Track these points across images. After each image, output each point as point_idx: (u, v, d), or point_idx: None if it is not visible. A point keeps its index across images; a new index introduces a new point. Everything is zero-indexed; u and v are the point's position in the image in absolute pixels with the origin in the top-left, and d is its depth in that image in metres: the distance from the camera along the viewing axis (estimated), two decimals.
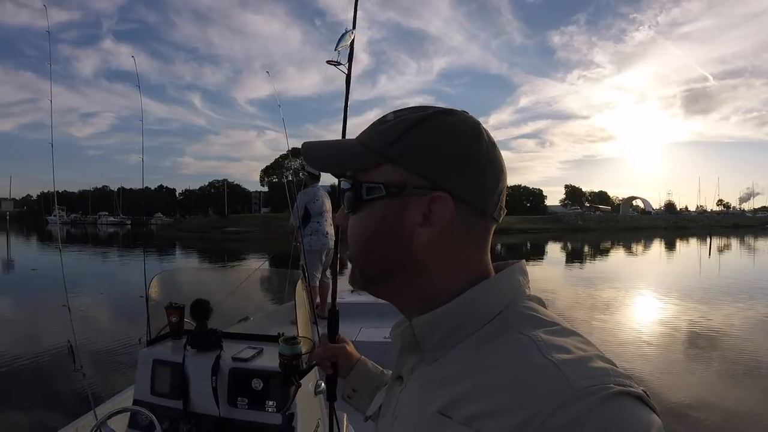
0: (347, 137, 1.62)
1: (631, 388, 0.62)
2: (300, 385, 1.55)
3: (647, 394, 0.63)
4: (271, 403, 2.68)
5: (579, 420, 0.57)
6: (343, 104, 1.85)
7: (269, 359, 2.83)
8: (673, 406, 6.46)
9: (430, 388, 0.77)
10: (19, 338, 10.38)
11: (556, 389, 0.61)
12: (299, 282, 2.80)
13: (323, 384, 3.06)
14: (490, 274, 0.83)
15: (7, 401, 7.04)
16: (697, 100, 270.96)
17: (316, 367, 2.95)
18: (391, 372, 1.25)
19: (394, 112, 0.85)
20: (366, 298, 7.04)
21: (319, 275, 6.95)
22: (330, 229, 7.17)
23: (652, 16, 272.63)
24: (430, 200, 0.78)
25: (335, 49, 1.90)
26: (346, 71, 1.88)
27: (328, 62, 1.88)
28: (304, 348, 1.60)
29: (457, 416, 0.69)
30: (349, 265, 0.89)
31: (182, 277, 4.69)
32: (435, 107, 0.83)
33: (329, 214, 7.24)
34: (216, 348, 2.87)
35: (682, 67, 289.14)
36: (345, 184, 0.84)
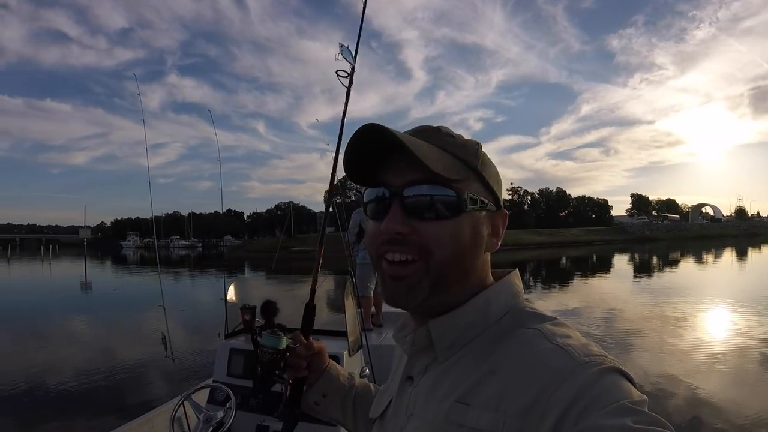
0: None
1: (622, 368, 0.73)
2: (291, 383, 1.33)
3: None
4: None
5: (584, 386, 0.68)
6: (342, 114, 1.87)
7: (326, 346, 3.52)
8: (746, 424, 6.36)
9: (446, 383, 0.84)
10: (125, 332, 13.67)
11: (564, 364, 0.72)
12: (347, 287, 3.49)
13: (368, 370, 3.69)
14: (491, 279, 0.93)
15: (111, 382, 8.76)
16: (765, 98, 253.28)
17: (360, 355, 3.62)
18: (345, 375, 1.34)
19: (445, 128, 0.92)
20: None
21: (372, 286, 7.37)
22: None
23: (711, 12, 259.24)
24: (501, 217, 0.92)
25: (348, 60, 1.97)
26: (347, 85, 1.93)
27: (338, 72, 1.92)
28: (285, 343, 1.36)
29: (476, 402, 0.77)
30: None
31: (254, 283, 5.41)
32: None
33: None
34: None
35: (748, 63, 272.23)
36: (443, 190, 0.84)
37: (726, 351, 10.09)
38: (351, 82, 1.91)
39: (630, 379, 0.72)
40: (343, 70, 1.91)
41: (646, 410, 0.66)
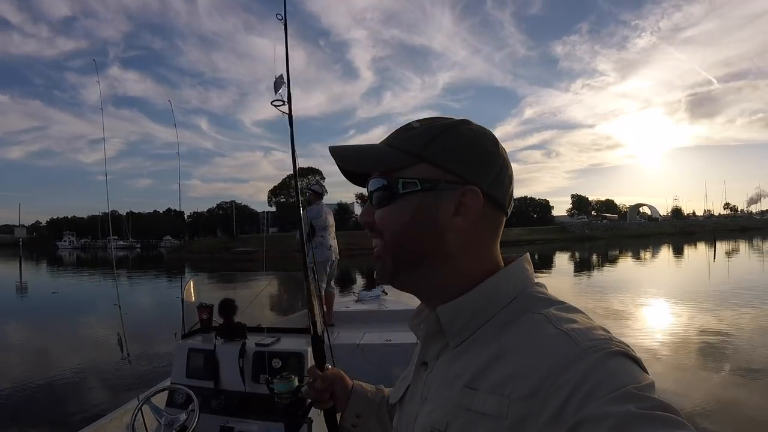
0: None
1: (629, 351, 0.73)
2: (312, 421, 1.35)
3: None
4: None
5: (586, 372, 0.68)
6: (289, 138, 1.96)
7: (285, 344, 3.49)
8: (687, 414, 6.48)
9: (456, 369, 0.86)
10: (77, 335, 13.45)
11: (567, 350, 0.72)
12: (308, 283, 3.42)
13: (330, 367, 3.68)
14: (501, 264, 0.94)
15: (65, 387, 8.57)
16: (702, 104, 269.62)
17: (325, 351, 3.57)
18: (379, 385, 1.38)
19: (418, 120, 0.95)
20: (369, 306, 7.69)
21: (324, 285, 7.34)
22: (333, 243, 7.73)
23: (653, 21, 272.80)
24: (461, 193, 0.88)
25: (276, 93, 2.05)
26: (288, 111, 1.98)
27: (272, 103, 1.99)
28: (297, 382, 1.46)
29: (483, 387, 0.78)
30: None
31: (210, 282, 5.33)
32: (455, 117, 0.96)
33: (332, 229, 7.78)
34: (242, 337, 3.52)
35: (686, 71, 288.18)
36: (379, 182, 0.91)
37: (663, 342, 10.48)
38: (290, 110, 2.02)
39: (637, 361, 0.72)
40: (279, 100, 2.01)
41: (653, 395, 0.65)
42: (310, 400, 1.35)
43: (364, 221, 0.96)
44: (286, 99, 2.02)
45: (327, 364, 1.43)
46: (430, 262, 0.90)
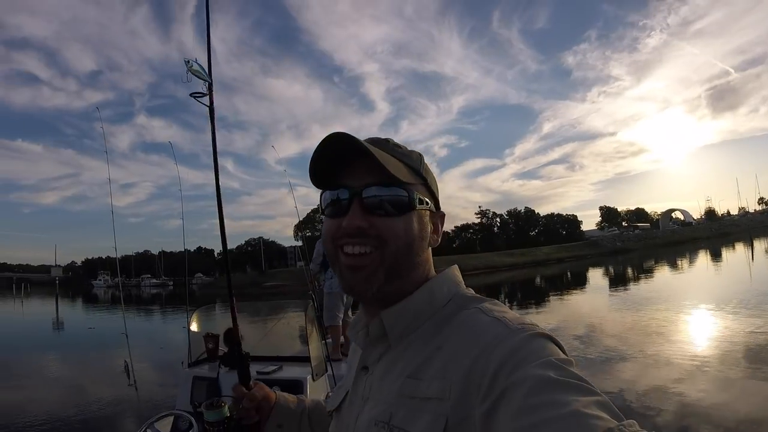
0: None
1: (554, 336, 0.84)
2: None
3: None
4: None
5: (516, 347, 0.79)
6: (211, 138, 1.72)
7: (286, 372, 3.57)
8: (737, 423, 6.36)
9: (399, 365, 0.94)
10: (90, 364, 14.45)
11: (499, 331, 0.84)
12: (308, 311, 3.52)
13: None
14: (434, 272, 1.06)
15: (74, 411, 8.90)
16: (722, 97, 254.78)
17: (326, 380, 3.65)
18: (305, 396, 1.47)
19: (391, 140, 1.06)
20: None
21: (341, 315, 7.21)
22: None
23: (661, 19, 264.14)
24: (439, 216, 1.08)
25: (198, 79, 1.73)
26: (208, 103, 1.74)
27: (192, 95, 1.71)
28: (230, 410, 1.47)
29: (426, 376, 0.87)
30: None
31: (217, 312, 5.45)
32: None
33: None
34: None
35: (702, 65, 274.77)
36: (396, 191, 0.97)
37: (709, 355, 10.14)
38: (212, 101, 1.75)
39: (559, 345, 0.83)
40: (199, 92, 1.72)
41: (572, 369, 0.75)
42: (240, 419, 1.38)
43: (356, 225, 0.96)
44: (207, 89, 1.74)
45: (251, 381, 1.47)
46: (410, 273, 1.00)
